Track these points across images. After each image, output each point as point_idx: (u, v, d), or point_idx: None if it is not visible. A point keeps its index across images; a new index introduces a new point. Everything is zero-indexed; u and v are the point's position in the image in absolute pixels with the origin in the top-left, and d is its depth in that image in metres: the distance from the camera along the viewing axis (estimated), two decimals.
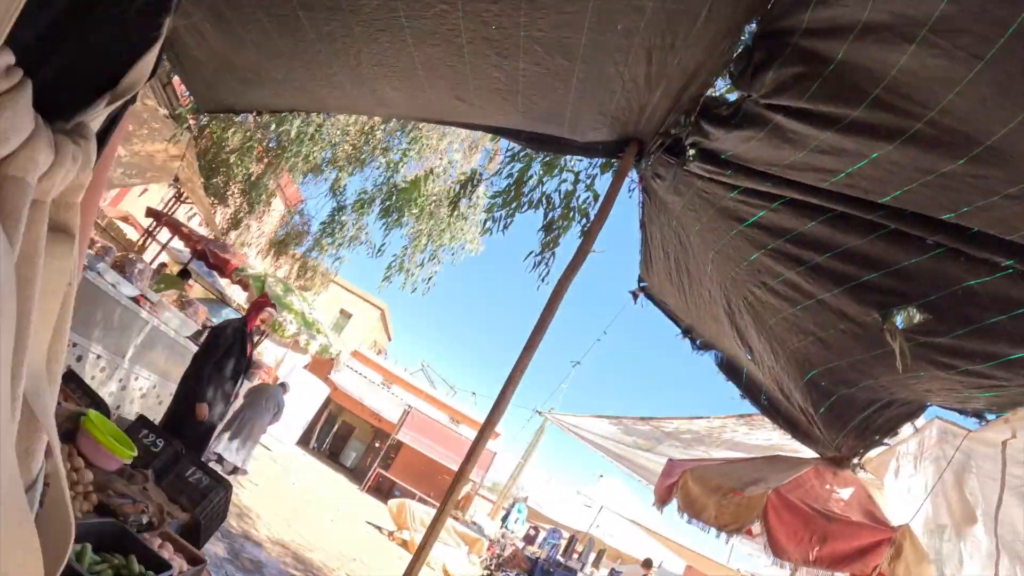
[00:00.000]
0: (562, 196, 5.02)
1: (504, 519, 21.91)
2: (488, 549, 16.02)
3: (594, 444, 11.60)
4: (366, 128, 10.14)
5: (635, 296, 4.86)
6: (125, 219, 18.40)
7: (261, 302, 7.11)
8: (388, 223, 9.91)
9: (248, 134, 10.41)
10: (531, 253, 5.04)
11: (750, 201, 3.19)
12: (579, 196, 4.97)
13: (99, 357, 7.88)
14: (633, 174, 3.76)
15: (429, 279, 10.60)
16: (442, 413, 31.18)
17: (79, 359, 7.51)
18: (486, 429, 3.36)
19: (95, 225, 13.51)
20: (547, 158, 5.10)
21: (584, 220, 4.90)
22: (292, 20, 3.49)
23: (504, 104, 3.59)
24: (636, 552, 22.73)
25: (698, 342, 4.94)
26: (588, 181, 4.93)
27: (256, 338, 7.06)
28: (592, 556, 21.29)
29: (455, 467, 26.84)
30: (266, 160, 11.54)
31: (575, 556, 19.21)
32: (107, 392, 8.33)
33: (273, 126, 9.05)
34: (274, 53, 3.97)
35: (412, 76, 3.56)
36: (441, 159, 10.01)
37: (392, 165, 10.01)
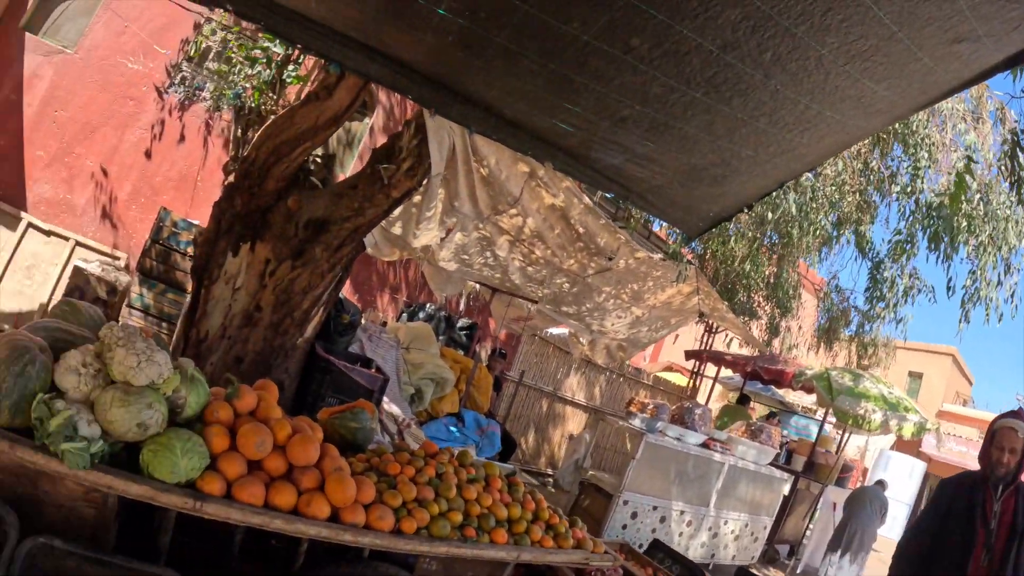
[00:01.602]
0: None
1: None
2: None
3: None
4: (857, 167, 8.79)
5: None
6: (669, 368, 19.03)
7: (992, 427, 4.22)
8: (944, 251, 7.86)
9: (750, 235, 9.70)
10: None
11: None
12: None
13: (682, 513, 7.71)
14: None
15: (1011, 296, 8.14)
16: None
17: (662, 520, 7.37)
18: None
19: (642, 386, 13.96)
20: None
21: None
22: (722, 70, 2.76)
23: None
24: None
25: None
26: None
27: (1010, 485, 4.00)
28: None
29: None
30: (774, 256, 10.74)
31: None
32: (698, 543, 8.11)
33: (769, 215, 8.22)
34: (727, 127, 3.27)
35: (890, 45, 2.51)
36: (955, 151, 8.04)
37: (907, 189, 8.29)
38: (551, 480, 10.73)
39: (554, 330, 10.67)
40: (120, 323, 2.76)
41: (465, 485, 3.55)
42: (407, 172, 4.56)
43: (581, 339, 9.72)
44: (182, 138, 9.01)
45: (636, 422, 7.51)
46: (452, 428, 6.50)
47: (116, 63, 8.71)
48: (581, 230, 6.03)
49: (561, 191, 5.45)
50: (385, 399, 5.21)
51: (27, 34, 8.26)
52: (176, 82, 8.94)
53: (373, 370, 4.98)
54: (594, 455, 9.66)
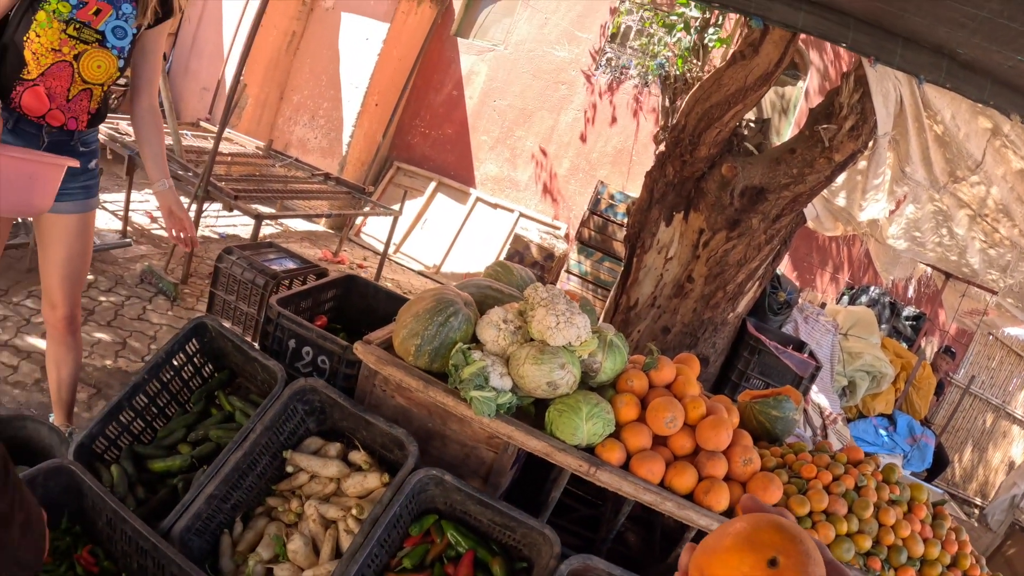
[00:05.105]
0: None
1: None
2: None
3: None
4: None
5: None
6: None
7: None
8: None
9: None
10: None
11: None
12: None
13: None
14: None
15: None
16: None
17: None
18: None
19: None
20: None
21: None
22: None
23: None
24: None
25: None
26: None
27: None
28: None
29: None
30: None
31: None
32: None
33: None
34: None
35: None
36: None
37: None
38: (977, 513, 9.10)
39: (1012, 330, 9.01)
40: (547, 284, 2.81)
41: (884, 506, 2.94)
42: (850, 132, 4.08)
43: None
44: (614, 115, 9.30)
45: None
46: (881, 432, 5.91)
47: (543, 53, 9.53)
48: None
49: None
50: (814, 388, 4.83)
51: (458, 39, 9.99)
52: (602, 64, 9.27)
53: (806, 355, 4.59)
54: None
